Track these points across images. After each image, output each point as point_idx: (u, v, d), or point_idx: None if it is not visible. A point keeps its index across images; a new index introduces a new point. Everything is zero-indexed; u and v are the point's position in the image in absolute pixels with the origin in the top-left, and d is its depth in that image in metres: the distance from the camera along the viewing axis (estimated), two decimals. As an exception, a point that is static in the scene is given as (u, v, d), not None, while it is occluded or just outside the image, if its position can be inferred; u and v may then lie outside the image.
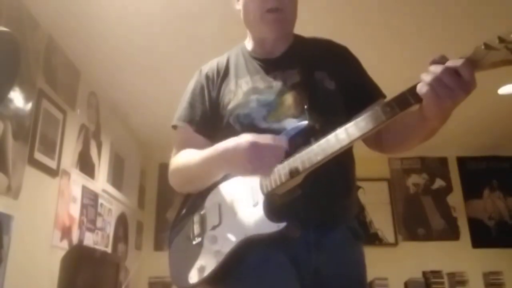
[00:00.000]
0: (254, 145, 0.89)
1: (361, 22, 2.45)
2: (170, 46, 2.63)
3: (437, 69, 0.78)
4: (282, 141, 0.91)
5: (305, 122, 0.97)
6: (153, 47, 2.66)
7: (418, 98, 0.81)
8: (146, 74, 2.96)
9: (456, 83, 0.76)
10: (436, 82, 0.77)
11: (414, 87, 0.82)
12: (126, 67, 2.88)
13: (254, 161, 0.89)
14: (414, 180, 4.64)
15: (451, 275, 4.10)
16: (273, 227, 0.90)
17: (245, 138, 0.91)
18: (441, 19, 2.45)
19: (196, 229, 1.05)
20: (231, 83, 1.15)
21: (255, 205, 0.95)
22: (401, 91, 0.84)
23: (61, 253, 2.39)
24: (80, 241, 2.74)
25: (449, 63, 0.77)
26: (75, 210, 2.69)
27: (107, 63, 2.82)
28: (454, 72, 0.76)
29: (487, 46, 0.75)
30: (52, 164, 2.42)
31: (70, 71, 2.74)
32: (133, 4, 2.28)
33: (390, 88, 1.11)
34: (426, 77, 0.79)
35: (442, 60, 0.80)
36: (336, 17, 2.39)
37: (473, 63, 0.77)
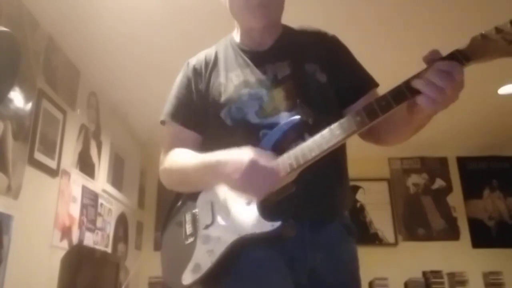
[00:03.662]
0: (253, 164, 0.87)
1: (353, 16, 2.43)
2: (171, 46, 2.63)
3: (441, 82, 0.77)
4: (283, 169, 0.89)
5: (298, 117, 0.96)
6: (153, 47, 2.66)
7: (414, 92, 0.80)
8: (146, 74, 2.96)
9: (454, 92, 0.76)
10: (440, 95, 0.77)
11: (410, 80, 0.81)
12: (126, 67, 2.88)
13: (247, 181, 0.87)
14: (414, 180, 4.64)
15: (451, 275, 4.09)
16: (268, 226, 0.89)
17: (247, 154, 0.88)
18: (431, 13, 2.43)
19: (188, 228, 1.03)
20: (220, 76, 1.12)
21: (249, 203, 0.94)
22: (397, 84, 0.82)
23: (61, 253, 2.39)
24: (80, 241, 2.74)
25: (441, 67, 0.77)
26: (75, 210, 2.69)
27: (107, 63, 2.82)
28: (452, 78, 0.76)
29: (484, 37, 0.74)
30: (52, 164, 2.42)
31: (70, 71, 2.74)
32: (133, 4, 2.28)
33: (382, 83, 1.10)
34: (422, 85, 0.78)
35: (435, 55, 0.78)
36: (327, 12, 2.36)
37: (469, 54, 0.75)
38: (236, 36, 1.20)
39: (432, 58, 0.78)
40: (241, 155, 0.89)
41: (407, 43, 2.65)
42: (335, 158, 1.00)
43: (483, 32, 0.74)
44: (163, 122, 1.17)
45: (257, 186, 0.88)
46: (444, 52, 0.80)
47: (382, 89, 0.90)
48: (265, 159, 0.89)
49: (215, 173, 0.95)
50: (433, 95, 0.77)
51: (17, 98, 2.09)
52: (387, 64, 2.64)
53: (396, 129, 0.98)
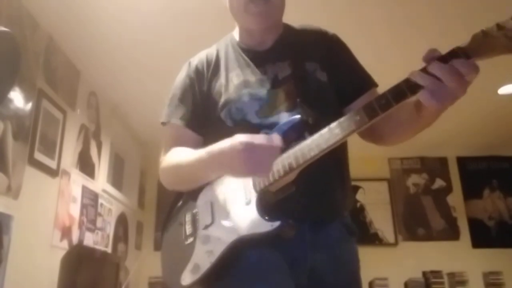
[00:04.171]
0: (249, 146, 0.85)
1: (356, 17, 2.43)
2: (171, 46, 2.63)
3: (437, 70, 0.74)
4: (276, 140, 0.88)
5: (298, 117, 0.95)
6: (153, 46, 2.66)
7: (414, 90, 0.78)
8: (146, 74, 2.96)
9: (460, 87, 0.74)
10: (442, 89, 0.74)
11: (410, 78, 0.79)
12: (126, 67, 2.88)
13: (250, 163, 0.85)
14: (414, 180, 4.64)
15: (451, 275, 4.09)
16: (267, 226, 0.88)
17: (239, 139, 0.87)
18: (435, 12, 2.43)
19: (188, 228, 1.02)
20: (221, 77, 1.11)
21: (248, 203, 0.93)
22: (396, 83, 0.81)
23: (61, 253, 2.39)
24: (80, 241, 2.74)
25: (456, 66, 0.74)
26: (75, 210, 2.69)
27: (107, 63, 2.82)
28: (460, 75, 0.74)
29: (485, 34, 0.73)
30: (52, 164, 2.42)
31: (70, 71, 2.74)
32: (133, 4, 2.28)
33: (387, 84, 1.10)
34: (425, 81, 0.75)
35: (433, 54, 0.77)
36: (330, 11, 2.36)
37: (470, 52, 0.74)
38: (237, 35, 1.20)
39: (432, 56, 0.77)
40: (234, 143, 0.88)
41: (411, 42, 2.64)
42: (336, 157, 0.99)
43: (484, 29, 0.73)
44: (164, 123, 1.16)
45: (261, 164, 0.86)
46: (447, 49, 0.78)
47: (386, 88, 0.89)
48: (257, 138, 0.87)
49: (214, 166, 0.93)
50: (433, 87, 0.75)
51: (17, 98, 2.09)
52: (390, 62, 2.64)
53: (401, 129, 0.98)
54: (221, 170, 0.94)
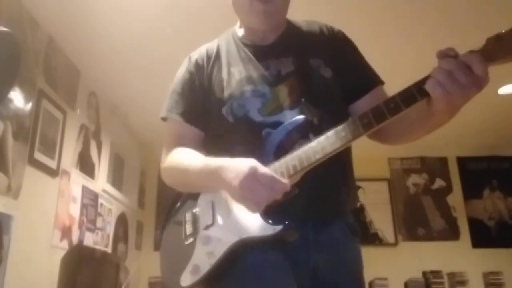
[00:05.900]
0: (253, 171, 0.83)
1: (362, 12, 2.41)
2: (170, 46, 2.62)
3: (449, 65, 0.73)
4: (281, 185, 0.83)
5: (302, 117, 0.93)
6: (153, 47, 2.66)
7: (424, 94, 0.76)
8: (146, 74, 2.96)
9: (470, 80, 0.72)
10: (449, 80, 0.72)
11: (421, 82, 0.77)
12: (126, 67, 2.88)
13: (245, 190, 0.83)
14: (414, 180, 4.64)
15: (451, 275, 4.09)
16: (269, 229, 0.86)
17: (248, 163, 0.85)
18: (447, 13, 2.42)
19: (188, 228, 1.00)
20: (223, 71, 1.09)
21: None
22: (407, 86, 0.79)
23: (61, 253, 2.39)
24: (80, 241, 2.74)
25: (463, 58, 0.73)
26: (75, 210, 2.69)
27: (107, 63, 2.82)
28: (468, 68, 0.72)
29: (499, 39, 0.71)
30: (52, 164, 2.41)
31: (70, 71, 2.74)
32: (133, 4, 2.28)
33: (395, 83, 1.09)
34: (438, 75, 0.74)
35: (450, 52, 0.75)
36: (336, 11, 2.35)
37: (485, 56, 0.72)
38: (239, 29, 1.18)
39: (447, 54, 0.75)
40: (242, 162, 0.86)
41: (420, 41, 2.63)
42: (339, 158, 0.97)
43: (499, 34, 0.71)
44: (164, 119, 1.15)
45: (257, 195, 0.83)
46: (459, 51, 0.77)
47: (395, 87, 0.87)
48: (268, 172, 0.84)
49: (215, 178, 0.91)
50: (441, 78, 0.73)
51: (17, 98, 2.09)
52: (399, 62, 2.63)
53: (411, 129, 0.96)
54: (222, 185, 0.91)
